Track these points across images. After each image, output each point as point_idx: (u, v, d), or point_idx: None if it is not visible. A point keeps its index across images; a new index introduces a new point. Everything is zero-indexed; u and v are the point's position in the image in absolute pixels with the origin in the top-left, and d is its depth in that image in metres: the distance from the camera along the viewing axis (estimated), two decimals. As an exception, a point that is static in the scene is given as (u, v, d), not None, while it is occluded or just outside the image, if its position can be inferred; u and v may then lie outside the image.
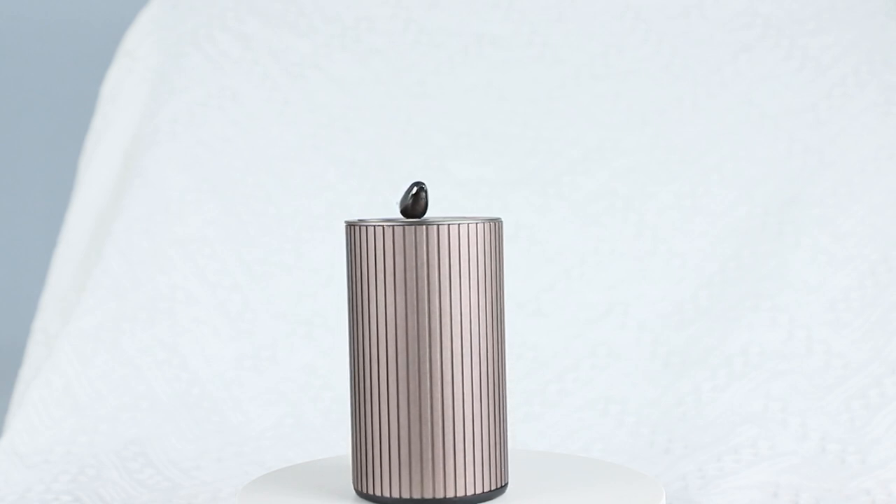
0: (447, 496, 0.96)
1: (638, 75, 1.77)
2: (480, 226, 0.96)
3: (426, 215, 1.18)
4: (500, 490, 0.98)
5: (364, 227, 0.96)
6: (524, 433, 1.45)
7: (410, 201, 0.98)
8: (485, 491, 0.97)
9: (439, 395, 0.95)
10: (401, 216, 1.00)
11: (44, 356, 1.61)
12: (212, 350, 1.56)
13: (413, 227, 0.95)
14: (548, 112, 1.76)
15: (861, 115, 1.71)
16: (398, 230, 0.95)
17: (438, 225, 0.95)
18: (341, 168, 1.72)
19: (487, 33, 1.81)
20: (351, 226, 0.97)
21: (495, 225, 0.98)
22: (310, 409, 1.52)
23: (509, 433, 1.40)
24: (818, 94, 1.73)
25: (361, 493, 0.98)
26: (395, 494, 0.96)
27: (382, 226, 0.96)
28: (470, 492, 0.96)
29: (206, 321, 1.59)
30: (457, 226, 0.95)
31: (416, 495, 0.95)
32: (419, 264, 0.95)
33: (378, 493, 0.97)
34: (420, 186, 0.98)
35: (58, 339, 1.56)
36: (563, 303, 1.61)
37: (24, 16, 2.67)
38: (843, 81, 1.74)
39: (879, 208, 1.63)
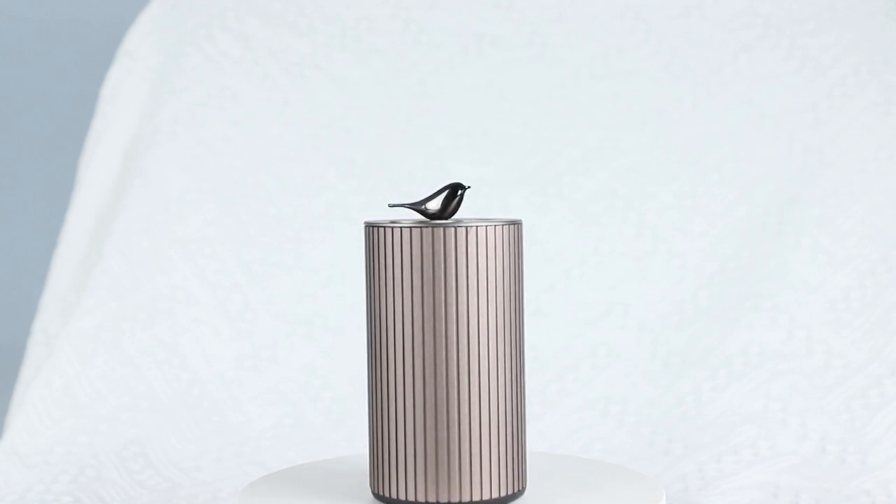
0: (464, 500, 0.95)
1: (638, 75, 1.77)
2: (502, 228, 0.96)
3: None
4: (517, 494, 0.98)
5: (384, 229, 0.96)
6: (524, 433, 1.45)
7: (446, 202, 0.97)
8: (503, 495, 0.97)
9: (457, 399, 0.95)
10: (418, 216, 1.00)
11: (44, 356, 1.61)
12: (212, 350, 1.56)
13: (434, 228, 0.94)
14: (548, 112, 1.76)
15: (861, 115, 1.71)
16: (418, 232, 0.95)
17: (457, 227, 0.95)
18: (341, 168, 1.72)
19: (487, 33, 1.81)
20: (370, 226, 0.97)
21: (516, 228, 0.98)
22: (310, 409, 1.52)
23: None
24: (818, 94, 1.73)
25: (379, 496, 0.98)
26: (412, 497, 0.96)
27: (402, 227, 0.95)
28: (487, 496, 0.96)
29: (206, 321, 1.59)
30: (475, 228, 0.95)
31: (433, 499, 0.95)
32: (439, 266, 0.94)
33: (396, 496, 0.96)
34: (464, 188, 0.97)
35: (58, 340, 1.56)
36: (563, 303, 1.61)
37: (24, 16, 2.67)
38: (843, 81, 1.74)
39: (879, 208, 1.63)
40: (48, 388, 1.49)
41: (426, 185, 1.70)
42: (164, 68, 1.78)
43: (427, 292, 0.94)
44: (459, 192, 0.97)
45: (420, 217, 1.04)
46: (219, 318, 1.59)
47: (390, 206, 0.99)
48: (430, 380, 0.95)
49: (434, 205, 0.97)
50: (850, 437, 1.39)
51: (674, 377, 1.52)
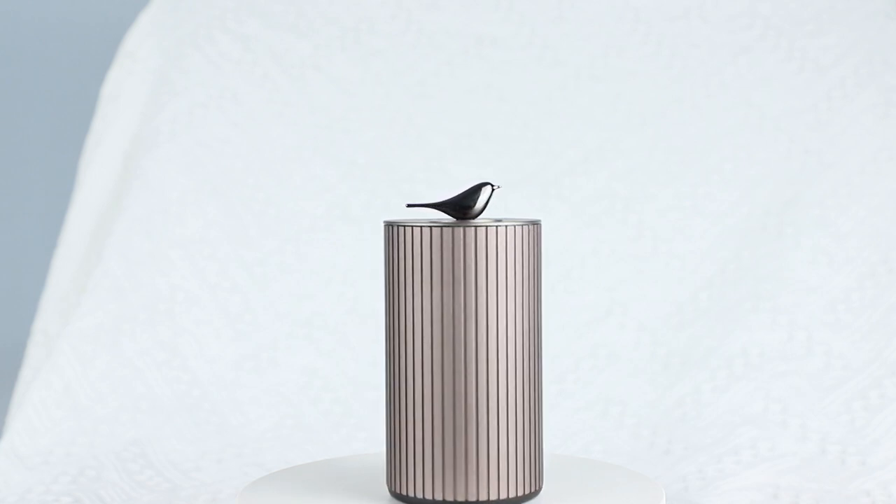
0: (482, 499, 0.96)
1: (638, 76, 1.77)
2: (522, 228, 0.96)
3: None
4: (533, 494, 0.99)
5: (404, 228, 0.96)
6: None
7: (476, 200, 0.97)
8: (521, 494, 0.97)
9: (476, 398, 0.95)
10: (436, 215, 1.00)
11: (44, 357, 1.61)
12: (212, 351, 1.56)
13: (455, 228, 0.95)
14: (548, 113, 1.76)
15: (861, 117, 1.71)
16: (440, 231, 0.95)
17: (478, 227, 0.95)
18: (341, 169, 1.72)
19: (487, 34, 1.81)
20: (390, 225, 0.97)
21: (535, 228, 0.98)
22: (310, 410, 1.52)
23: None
24: (818, 95, 1.73)
25: (396, 494, 0.98)
26: (430, 496, 0.96)
27: (422, 227, 0.95)
28: (504, 495, 0.96)
29: (207, 322, 1.59)
30: (496, 228, 0.95)
31: (451, 497, 0.96)
32: (459, 266, 0.95)
33: (414, 495, 0.97)
34: (494, 187, 0.98)
35: (58, 340, 1.56)
36: (563, 304, 1.62)
37: (24, 16, 2.67)
38: (842, 83, 1.74)
39: (879, 209, 1.63)
40: (48, 389, 1.49)
41: (426, 186, 1.70)
42: (164, 69, 1.78)
43: (447, 292, 0.95)
44: (491, 190, 0.98)
45: (439, 216, 1.04)
46: (219, 319, 1.59)
47: (408, 206, 0.99)
48: (448, 379, 0.95)
49: (465, 203, 0.97)
50: (851, 438, 1.39)
51: (674, 378, 1.52)
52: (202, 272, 1.62)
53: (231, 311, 1.60)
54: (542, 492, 1.00)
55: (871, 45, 1.76)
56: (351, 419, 1.51)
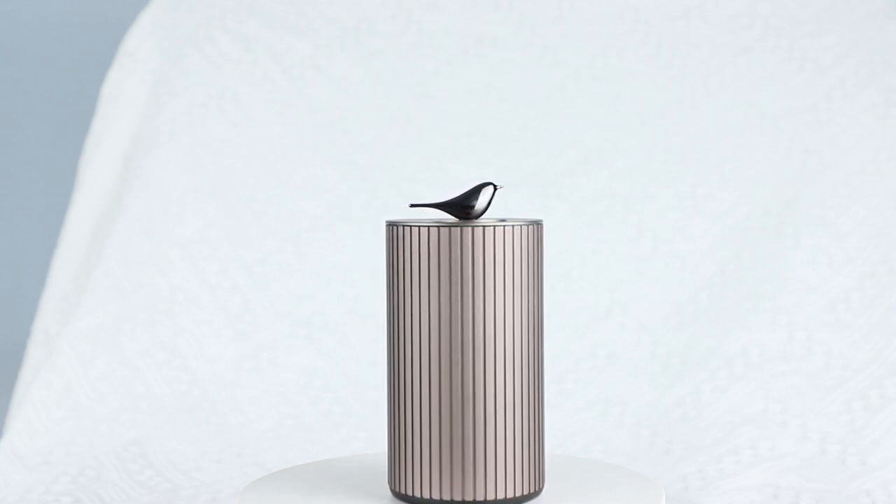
0: (483, 499, 0.96)
1: (638, 76, 1.77)
2: (523, 228, 0.96)
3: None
4: (535, 494, 0.99)
5: (407, 228, 0.96)
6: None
7: (480, 200, 0.97)
8: (522, 494, 0.97)
9: (481, 397, 0.95)
10: (439, 215, 1.00)
11: (44, 357, 1.61)
12: (212, 351, 1.56)
13: (457, 228, 0.95)
14: (548, 113, 1.76)
15: (861, 117, 1.71)
16: (442, 231, 0.95)
17: (480, 227, 0.95)
18: (341, 169, 1.72)
19: (487, 34, 1.81)
20: (392, 225, 0.97)
21: (537, 228, 0.98)
22: (310, 410, 1.52)
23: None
24: (818, 95, 1.73)
25: (397, 493, 0.98)
26: (432, 496, 0.96)
27: (424, 226, 0.95)
28: (508, 495, 0.96)
29: (207, 322, 1.59)
30: (501, 228, 0.95)
31: (453, 497, 0.96)
32: (462, 265, 0.95)
33: (415, 494, 0.97)
34: (496, 187, 0.98)
35: (58, 340, 1.56)
36: (563, 304, 1.62)
37: (24, 16, 2.67)
38: (842, 83, 1.74)
39: (879, 209, 1.63)
40: (48, 389, 1.49)
41: (427, 186, 1.69)
42: (164, 69, 1.78)
43: (448, 292, 0.95)
44: (493, 191, 0.98)
45: (441, 216, 1.04)
46: (219, 319, 1.59)
47: (411, 206, 0.99)
48: (452, 379, 0.95)
49: (467, 203, 0.97)
50: (851, 438, 1.39)
51: (674, 378, 1.52)
52: (202, 272, 1.62)
53: (231, 311, 1.60)
54: (542, 492, 1.01)
55: (871, 45, 1.76)
56: (351, 419, 1.51)
